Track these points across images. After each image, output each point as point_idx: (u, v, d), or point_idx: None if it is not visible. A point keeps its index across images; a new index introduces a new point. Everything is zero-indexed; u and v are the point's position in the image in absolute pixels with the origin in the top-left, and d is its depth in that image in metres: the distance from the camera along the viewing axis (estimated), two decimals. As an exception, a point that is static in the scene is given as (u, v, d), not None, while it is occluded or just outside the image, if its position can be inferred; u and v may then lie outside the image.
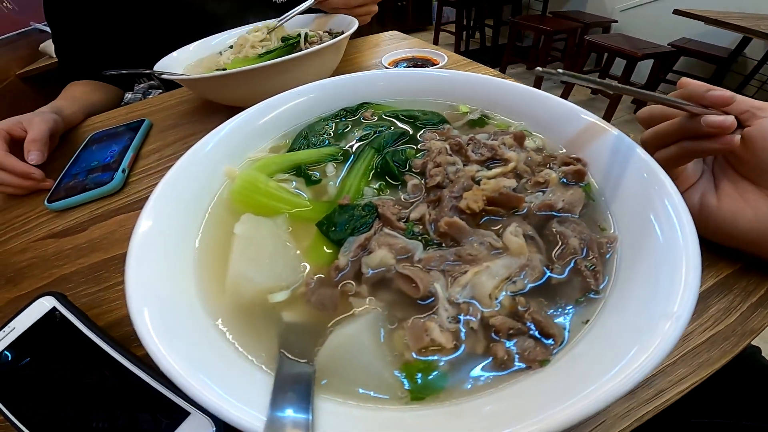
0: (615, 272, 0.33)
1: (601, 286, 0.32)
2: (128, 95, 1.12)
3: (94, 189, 0.61)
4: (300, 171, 0.48)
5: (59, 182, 0.65)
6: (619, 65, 2.90)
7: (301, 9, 0.90)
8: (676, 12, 2.54)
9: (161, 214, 0.37)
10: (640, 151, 0.38)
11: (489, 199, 0.38)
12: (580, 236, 0.35)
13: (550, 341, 0.29)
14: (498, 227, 0.38)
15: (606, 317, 0.30)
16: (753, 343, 0.38)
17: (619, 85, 0.36)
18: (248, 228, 0.39)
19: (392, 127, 0.54)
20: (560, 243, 0.36)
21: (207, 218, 0.42)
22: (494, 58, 3.94)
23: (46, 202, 0.61)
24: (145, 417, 0.32)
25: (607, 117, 2.82)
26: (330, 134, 0.54)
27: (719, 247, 0.42)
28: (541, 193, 0.41)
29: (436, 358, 0.29)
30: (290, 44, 0.84)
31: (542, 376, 0.27)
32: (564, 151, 0.47)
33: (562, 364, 0.28)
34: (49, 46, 2.26)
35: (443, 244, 0.37)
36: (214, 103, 0.82)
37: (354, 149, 0.51)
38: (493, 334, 0.30)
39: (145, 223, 0.36)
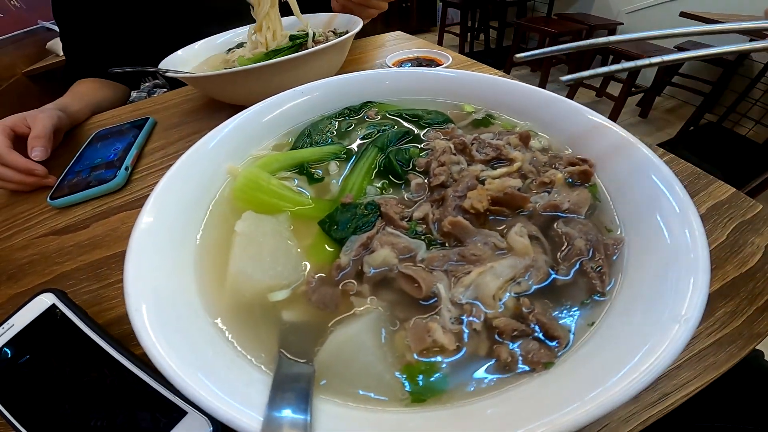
0: (622, 274, 0.32)
1: (607, 288, 0.32)
2: (134, 94, 1.13)
3: (96, 186, 0.61)
4: (303, 169, 0.48)
5: (62, 179, 0.65)
6: (624, 68, 2.88)
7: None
8: (683, 15, 2.52)
9: (162, 211, 0.37)
10: (648, 152, 0.38)
11: (493, 199, 0.38)
12: (586, 237, 0.35)
13: (554, 343, 0.29)
14: (502, 227, 0.37)
15: (612, 319, 0.29)
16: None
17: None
18: (250, 225, 0.38)
19: (396, 126, 0.54)
20: (566, 244, 0.35)
21: (208, 215, 0.42)
22: (498, 59, 3.93)
23: (48, 198, 0.61)
24: (142, 415, 0.32)
25: (612, 120, 2.79)
26: (333, 133, 0.54)
27: (726, 250, 0.41)
28: (546, 194, 0.40)
29: (438, 359, 0.29)
30: (297, 43, 0.84)
31: (546, 378, 0.27)
32: (570, 151, 0.47)
33: (566, 366, 0.27)
34: (55, 44, 2.29)
35: (446, 244, 0.36)
36: (218, 102, 0.82)
37: (357, 148, 0.51)
38: (496, 336, 0.30)
39: (146, 219, 0.36)
